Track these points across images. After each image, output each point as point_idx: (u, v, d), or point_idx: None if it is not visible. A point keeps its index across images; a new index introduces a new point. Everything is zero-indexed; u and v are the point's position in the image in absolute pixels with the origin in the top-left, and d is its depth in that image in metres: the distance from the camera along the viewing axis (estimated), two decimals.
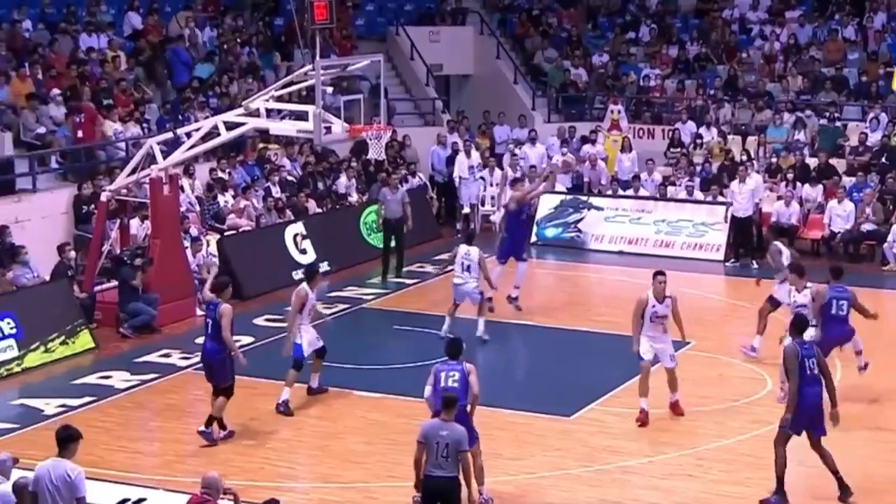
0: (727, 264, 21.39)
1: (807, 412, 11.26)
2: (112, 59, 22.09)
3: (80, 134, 19.76)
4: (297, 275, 19.74)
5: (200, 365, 15.23)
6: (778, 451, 11.39)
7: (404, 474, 10.38)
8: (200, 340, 16.22)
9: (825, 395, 11.36)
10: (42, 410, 14.00)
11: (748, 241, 21.40)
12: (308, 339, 14.08)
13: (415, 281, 20.19)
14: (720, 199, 21.99)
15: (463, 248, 16.52)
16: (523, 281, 18.12)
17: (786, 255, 15.86)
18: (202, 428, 13.00)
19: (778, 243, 16.35)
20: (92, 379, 15.11)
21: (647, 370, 13.53)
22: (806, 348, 11.49)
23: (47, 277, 16.89)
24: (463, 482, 10.22)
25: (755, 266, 20.83)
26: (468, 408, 11.03)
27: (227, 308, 12.93)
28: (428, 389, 11.15)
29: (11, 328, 15.56)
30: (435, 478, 9.97)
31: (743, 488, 11.90)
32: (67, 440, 9.08)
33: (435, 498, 10.05)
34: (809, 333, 12.83)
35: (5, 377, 15.22)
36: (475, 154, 23.53)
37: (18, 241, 17.32)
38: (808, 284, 14.08)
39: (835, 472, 11.44)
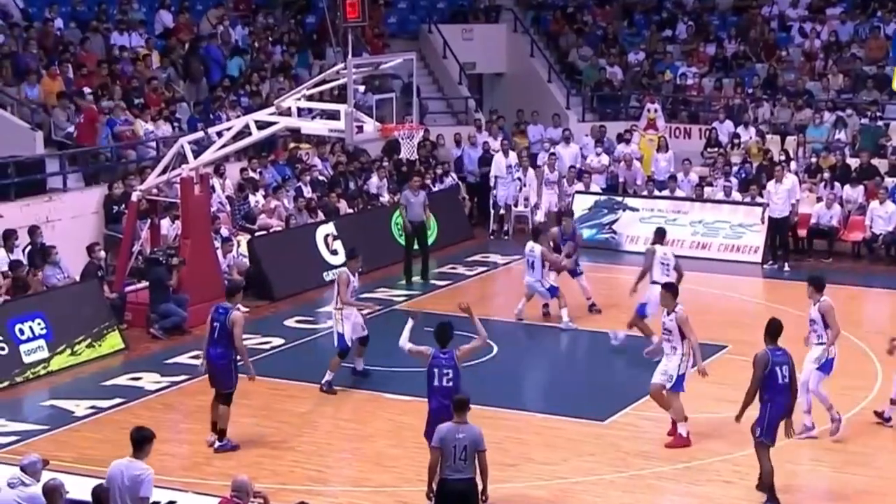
0: (765, 266, 21.27)
1: (779, 420, 11.44)
2: (143, 58, 22.24)
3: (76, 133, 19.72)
4: (328, 276, 19.87)
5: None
6: (762, 462, 11.43)
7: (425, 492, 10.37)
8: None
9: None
10: (72, 412, 14.12)
11: (783, 243, 21.25)
12: (351, 326, 14.45)
13: (447, 282, 20.20)
14: (758, 199, 21.86)
15: (528, 245, 17.20)
16: (588, 287, 18.17)
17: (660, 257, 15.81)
18: (215, 442, 12.91)
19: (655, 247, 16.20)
20: (122, 380, 15.22)
21: (660, 391, 12.94)
22: (778, 355, 11.51)
23: (77, 278, 17.02)
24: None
25: (787, 269, 20.70)
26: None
27: (239, 316, 12.75)
28: (408, 347, 11.60)
29: (42, 329, 15.70)
30: (454, 481, 10.01)
31: (780, 494, 11.82)
32: (142, 441, 9.45)
33: (453, 502, 10.06)
34: (814, 354, 12.71)
35: (35, 378, 15.35)
36: (513, 154, 23.46)
37: (48, 241, 17.46)
38: (822, 297, 13.48)
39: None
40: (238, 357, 12.82)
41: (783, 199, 20.99)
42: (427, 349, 11.49)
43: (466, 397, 10.29)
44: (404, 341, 11.86)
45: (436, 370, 11.24)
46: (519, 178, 23.34)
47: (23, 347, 15.43)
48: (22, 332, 15.49)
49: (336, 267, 20.12)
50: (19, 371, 15.26)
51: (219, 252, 18.22)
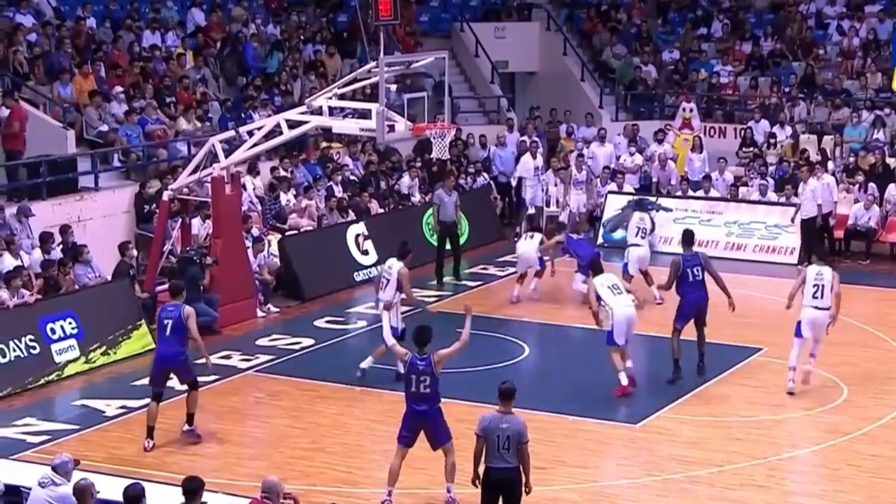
0: (800, 267, 21.09)
1: (692, 309, 14.98)
2: (177, 57, 22.33)
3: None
4: (359, 276, 19.92)
5: (259, 367, 15.45)
6: (673, 340, 14.90)
7: (466, 480, 10.39)
8: (262, 342, 16.54)
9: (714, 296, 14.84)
10: (103, 412, 14.20)
11: (811, 244, 20.96)
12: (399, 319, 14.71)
13: (478, 283, 20.18)
14: (793, 199, 21.70)
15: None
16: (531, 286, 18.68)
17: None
18: (187, 427, 13.22)
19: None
20: None
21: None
22: (687, 259, 15.16)
23: (109, 277, 17.12)
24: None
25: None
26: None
27: (191, 309, 13.18)
28: (391, 343, 12.60)
29: (73, 328, 15.81)
30: (497, 469, 10.07)
31: (817, 500, 11.76)
32: (194, 491, 9.23)
33: (497, 490, 10.13)
34: None
35: (66, 378, 15.46)
36: (541, 157, 23.32)
37: (80, 241, 17.58)
38: None
39: (701, 353, 14.98)
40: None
41: (808, 199, 20.79)
42: (405, 353, 11.51)
43: (512, 387, 10.28)
44: (388, 335, 12.51)
45: (413, 376, 11.25)
46: (545, 180, 23.14)
47: (54, 347, 15.53)
48: (53, 331, 15.60)
49: (367, 267, 20.18)
50: (50, 370, 15.37)
51: (249, 252, 18.28)
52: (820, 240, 21.29)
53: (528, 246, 18.76)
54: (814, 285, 14.62)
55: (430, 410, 11.25)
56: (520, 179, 23.14)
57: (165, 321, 13.17)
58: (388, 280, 15.00)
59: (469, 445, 10.52)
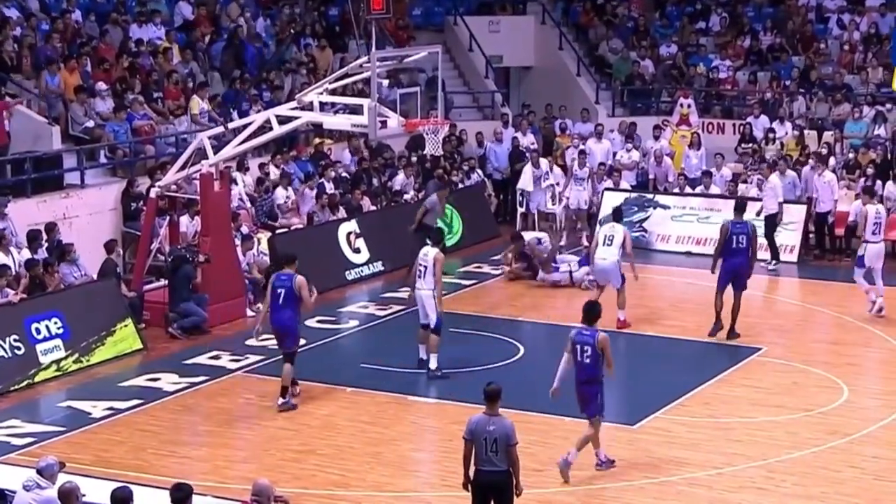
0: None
1: (729, 275, 16.39)
2: (164, 51, 22.29)
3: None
4: (351, 275, 19.90)
5: (249, 367, 15.46)
6: (716, 300, 16.47)
7: (459, 482, 10.38)
8: (252, 342, 16.51)
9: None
10: (89, 413, 14.17)
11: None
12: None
13: (472, 282, 20.18)
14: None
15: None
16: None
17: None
18: (281, 401, 14.17)
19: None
20: (140, 381, 15.28)
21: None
22: (736, 225, 16.45)
23: (95, 276, 17.10)
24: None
25: (772, 266, 20.50)
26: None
27: (303, 279, 14.26)
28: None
29: (58, 328, 15.77)
30: (486, 472, 10.07)
31: (818, 503, 11.77)
32: (181, 501, 9.10)
33: (487, 493, 10.12)
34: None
35: (51, 379, 15.42)
36: (544, 162, 22.86)
37: (65, 239, 17.54)
38: None
39: (734, 318, 16.37)
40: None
41: (768, 195, 20.73)
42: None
43: (497, 388, 10.25)
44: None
45: (578, 346, 12.20)
46: (552, 185, 22.97)
47: (39, 347, 15.50)
48: (38, 331, 15.57)
49: (359, 266, 20.17)
50: (35, 371, 15.34)
51: (238, 250, 18.27)
52: (822, 236, 21.40)
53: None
54: (874, 223, 17.56)
55: (586, 380, 12.14)
56: (521, 192, 22.65)
57: (279, 290, 14.15)
58: (426, 267, 15.22)
59: (462, 448, 10.50)
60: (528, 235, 20.61)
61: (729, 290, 16.57)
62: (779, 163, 22.06)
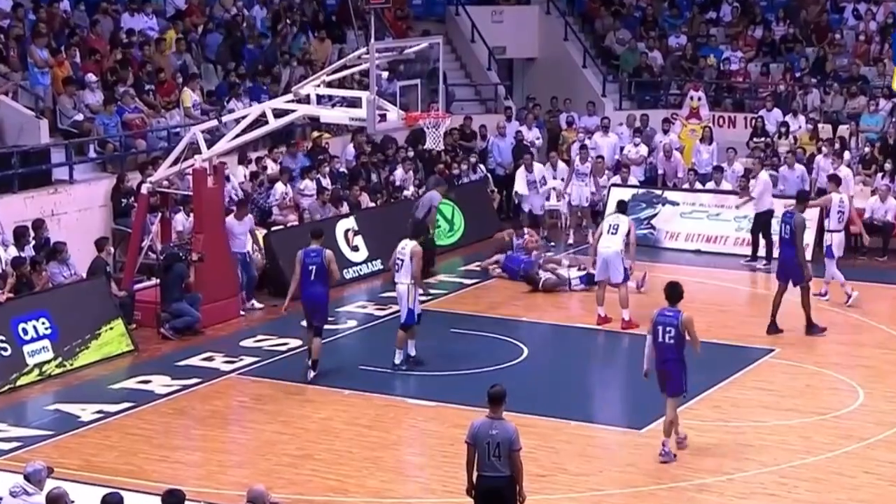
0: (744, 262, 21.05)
1: (779, 268, 17.07)
2: (157, 43, 22.27)
3: None
4: (349, 274, 19.91)
5: (244, 369, 15.48)
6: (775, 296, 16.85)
7: (461, 488, 10.39)
8: (247, 343, 16.54)
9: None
10: (78, 416, 14.18)
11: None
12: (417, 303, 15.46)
13: (474, 281, 20.19)
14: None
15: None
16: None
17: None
18: (312, 374, 15.00)
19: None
20: (130, 383, 15.29)
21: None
22: (785, 215, 16.98)
23: (84, 275, 17.10)
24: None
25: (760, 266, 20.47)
26: None
27: (331, 253, 15.20)
28: None
29: (46, 328, 15.77)
30: (489, 478, 10.07)
31: None
32: None
33: (489, 499, 10.13)
34: None
35: (39, 381, 15.43)
36: (538, 167, 22.71)
37: (54, 236, 17.55)
38: None
39: (806, 313, 16.68)
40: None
41: (758, 192, 20.70)
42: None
43: (502, 390, 10.22)
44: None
45: (660, 327, 12.66)
46: (553, 189, 22.98)
47: (26, 348, 15.50)
48: (25, 331, 15.56)
49: (357, 264, 20.18)
50: (22, 373, 15.34)
51: (231, 217, 18.14)
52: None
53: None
54: (838, 211, 18.21)
55: (671, 360, 12.62)
56: (516, 195, 22.66)
57: (310, 266, 14.96)
58: (403, 261, 15.37)
59: (464, 452, 10.52)
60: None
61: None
62: (787, 156, 22.08)
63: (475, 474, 10.18)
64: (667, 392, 12.78)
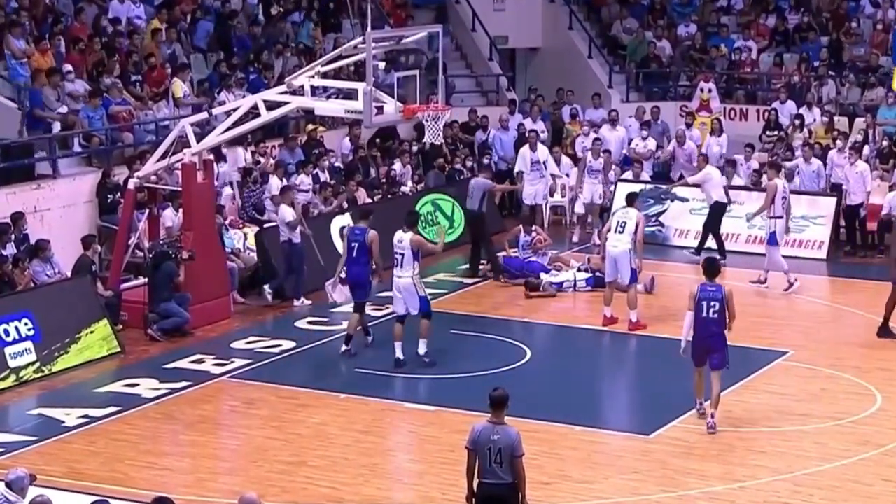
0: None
1: None
2: (153, 33, 22.22)
3: None
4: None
5: (235, 372, 15.47)
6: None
7: (461, 496, 10.39)
8: (238, 345, 16.56)
9: None
10: (62, 422, 14.18)
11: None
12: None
13: (475, 281, 20.19)
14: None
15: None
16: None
17: None
18: (344, 347, 16.06)
19: None
20: (117, 387, 15.29)
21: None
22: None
23: (68, 273, 17.10)
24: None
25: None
26: None
27: (375, 234, 16.00)
28: None
29: (29, 330, 15.77)
30: (490, 485, 10.07)
31: None
32: None
33: None
34: None
35: (21, 384, 15.43)
36: (542, 148, 22.97)
37: (36, 233, 17.54)
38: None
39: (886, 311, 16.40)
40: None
41: (706, 186, 20.98)
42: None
43: (504, 394, 10.21)
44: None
45: (704, 302, 13.57)
46: (553, 175, 23.00)
47: (8, 350, 15.50)
48: (7, 332, 15.56)
49: None
50: (4, 376, 15.34)
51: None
52: (852, 231, 21.46)
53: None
54: (782, 197, 19.08)
55: (717, 334, 13.49)
56: (519, 174, 22.91)
57: (353, 243, 16.14)
58: (403, 254, 15.60)
59: (465, 458, 10.53)
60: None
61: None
62: (803, 149, 22.08)
63: (476, 481, 10.19)
64: (712, 366, 13.60)
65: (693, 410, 14.06)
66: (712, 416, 13.59)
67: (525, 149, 22.84)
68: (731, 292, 13.60)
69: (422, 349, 15.72)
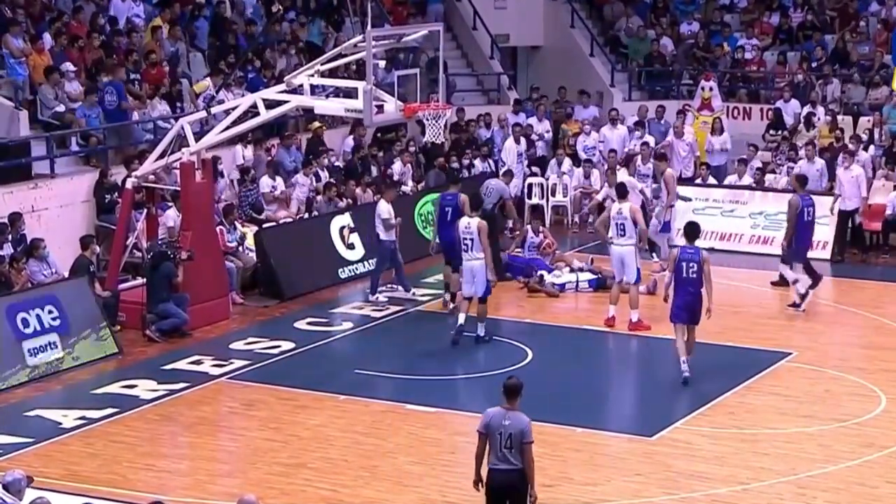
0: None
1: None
2: (153, 31, 22.21)
3: None
4: (344, 273, 19.91)
5: (234, 373, 15.46)
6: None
7: (462, 499, 10.40)
8: (237, 346, 16.55)
9: None
10: (59, 423, 14.17)
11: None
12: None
13: None
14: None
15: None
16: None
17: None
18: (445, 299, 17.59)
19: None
20: (114, 388, 15.28)
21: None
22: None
23: (66, 274, 17.10)
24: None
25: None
26: None
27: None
28: None
29: (53, 319, 15.78)
30: (500, 471, 10.16)
31: None
32: None
33: (500, 493, 10.20)
34: None
35: (19, 385, 15.40)
36: (525, 141, 23.41)
37: (34, 232, 17.53)
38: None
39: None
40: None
41: (853, 186, 20.87)
42: None
43: (518, 382, 10.39)
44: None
45: (683, 263, 14.87)
46: (532, 170, 23.17)
47: (26, 345, 15.52)
48: (27, 322, 15.58)
49: (353, 263, 20.16)
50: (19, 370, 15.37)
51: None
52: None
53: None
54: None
55: (696, 293, 14.80)
56: (503, 165, 22.98)
57: (446, 208, 17.53)
58: (473, 239, 16.39)
59: (468, 459, 10.53)
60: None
61: None
62: (807, 149, 22.07)
63: (486, 469, 10.21)
64: (691, 322, 14.91)
65: (695, 413, 14.07)
66: (685, 362, 14.86)
67: (510, 142, 23.53)
68: (708, 258, 14.84)
69: (481, 331, 16.60)
